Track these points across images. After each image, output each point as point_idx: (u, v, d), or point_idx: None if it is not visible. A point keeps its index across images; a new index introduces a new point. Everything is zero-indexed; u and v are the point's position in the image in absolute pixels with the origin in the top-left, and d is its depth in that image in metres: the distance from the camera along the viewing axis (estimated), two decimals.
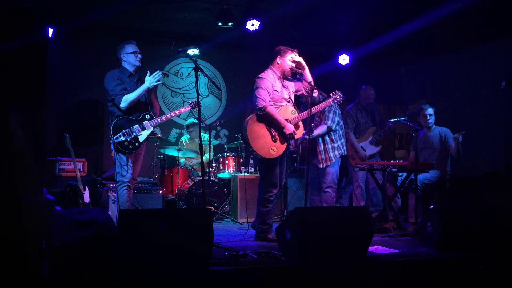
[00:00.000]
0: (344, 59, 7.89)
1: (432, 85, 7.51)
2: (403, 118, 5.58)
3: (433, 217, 4.15)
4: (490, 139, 6.35)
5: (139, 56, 4.62)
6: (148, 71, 4.54)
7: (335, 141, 5.30)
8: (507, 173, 5.78)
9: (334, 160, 5.28)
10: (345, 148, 5.41)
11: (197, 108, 4.36)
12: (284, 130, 4.62)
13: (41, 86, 2.85)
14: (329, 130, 5.28)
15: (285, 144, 4.70)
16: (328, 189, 5.25)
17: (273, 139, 4.64)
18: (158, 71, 4.52)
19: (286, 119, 4.67)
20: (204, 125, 6.82)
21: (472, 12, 6.18)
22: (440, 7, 5.98)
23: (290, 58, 4.73)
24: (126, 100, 4.44)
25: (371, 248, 3.90)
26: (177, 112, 4.83)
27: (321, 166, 5.28)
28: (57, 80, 6.68)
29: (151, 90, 4.60)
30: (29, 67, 2.82)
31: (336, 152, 5.30)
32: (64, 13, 6.58)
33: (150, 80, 4.48)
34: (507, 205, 4.23)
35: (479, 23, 6.39)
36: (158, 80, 4.50)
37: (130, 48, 4.61)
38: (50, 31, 6.28)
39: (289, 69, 4.73)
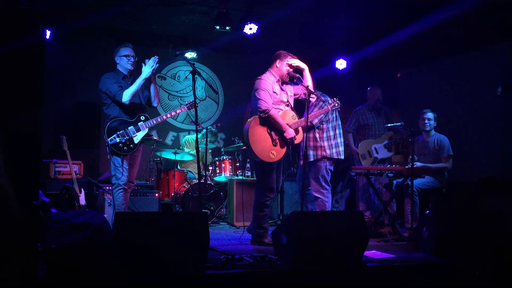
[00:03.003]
0: (341, 64, 7.91)
1: (428, 90, 7.54)
2: (400, 124, 5.60)
3: (429, 222, 4.16)
4: (486, 144, 6.37)
5: (132, 59, 4.61)
6: (142, 64, 4.52)
7: (319, 140, 5.08)
8: (503, 178, 5.79)
9: (312, 159, 5.05)
10: (333, 151, 5.11)
11: (193, 109, 4.35)
12: (285, 134, 4.62)
13: (38, 88, 2.85)
14: (311, 125, 5.03)
15: (285, 149, 4.70)
16: (317, 194, 5.07)
17: (274, 143, 4.64)
18: (153, 57, 4.49)
19: (286, 124, 4.67)
20: (201, 128, 6.82)
21: (469, 18, 6.21)
22: (437, 12, 6.01)
23: (286, 63, 4.75)
24: (127, 94, 4.42)
25: (366, 253, 3.91)
26: (173, 113, 4.82)
27: (301, 162, 5.20)
28: (54, 82, 6.67)
29: (149, 79, 4.57)
30: (26, 69, 2.82)
31: (318, 152, 5.06)
32: (62, 15, 6.57)
33: (146, 70, 4.47)
34: (503, 210, 4.25)
35: (475, 29, 6.42)
36: (153, 65, 4.46)
37: (124, 51, 4.61)
38: (48, 33, 6.27)
39: (286, 74, 4.75)
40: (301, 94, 4.94)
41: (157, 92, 4.72)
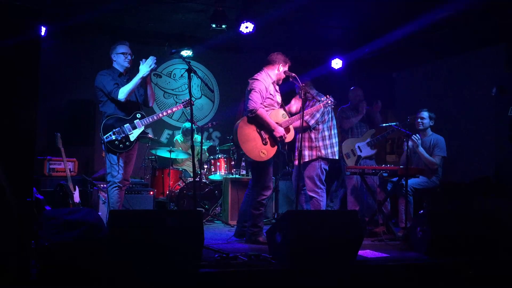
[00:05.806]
0: (337, 63, 7.92)
1: (423, 91, 7.57)
2: (394, 124, 5.61)
3: (423, 222, 4.17)
4: (480, 145, 6.41)
5: (129, 57, 4.60)
6: (140, 62, 4.51)
7: (314, 140, 5.11)
8: (497, 179, 5.82)
9: (307, 159, 5.08)
10: (328, 151, 5.13)
11: (189, 108, 4.34)
12: (274, 133, 4.64)
13: (33, 84, 2.84)
14: (307, 126, 5.08)
15: (276, 147, 4.71)
16: (311, 194, 5.10)
17: (264, 142, 4.65)
18: (151, 56, 4.49)
19: (276, 123, 4.69)
20: (197, 126, 6.82)
21: (464, 19, 6.23)
22: (433, 13, 6.03)
23: (286, 69, 4.81)
24: (123, 91, 4.40)
25: (361, 252, 3.92)
26: (169, 111, 4.82)
27: (295, 162, 5.22)
28: (49, 79, 6.64)
29: (146, 78, 4.56)
30: (21, 66, 2.81)
31: (314, 152, 5.09)
32: (57, 12, 6.55)
33: (144, 69, 4.45)
34: (496, 211, 4.27)
35: (471, 30, 6.45)
36: (151, 65, 4.46)
37: (121, 48, 4.60)
38: (43, 29, 6.24)
39: (284, 77, 4.81)
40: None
41: (152, 93, 4.73)
